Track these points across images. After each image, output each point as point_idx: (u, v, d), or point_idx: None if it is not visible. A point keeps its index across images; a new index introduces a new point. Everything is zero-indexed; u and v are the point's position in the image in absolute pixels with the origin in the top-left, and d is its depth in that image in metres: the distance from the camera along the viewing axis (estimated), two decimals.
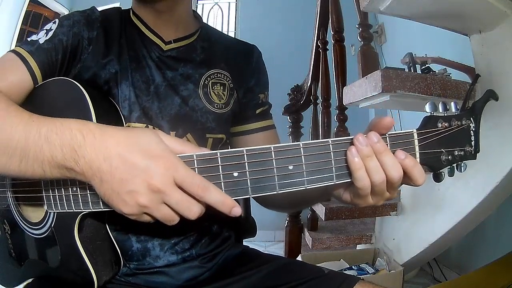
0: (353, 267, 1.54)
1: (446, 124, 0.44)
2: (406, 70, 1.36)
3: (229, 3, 3.47)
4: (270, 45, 2.89)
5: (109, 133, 0.40)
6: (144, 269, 0.62)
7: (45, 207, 0.53)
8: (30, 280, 0.60)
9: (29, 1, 2.77)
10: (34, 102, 0.56)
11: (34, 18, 2.96)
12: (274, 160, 0.41)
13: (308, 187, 0.42)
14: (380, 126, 0.43)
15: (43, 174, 0.42)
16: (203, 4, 3.53)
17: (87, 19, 0.61)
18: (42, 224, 0.56)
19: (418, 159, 0.44)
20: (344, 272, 1.49)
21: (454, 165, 0.46)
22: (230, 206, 0.40)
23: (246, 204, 0.90)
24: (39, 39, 0.57)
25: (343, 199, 0.49)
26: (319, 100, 1.87)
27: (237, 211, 0.40)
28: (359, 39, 1.52)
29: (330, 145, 0.42)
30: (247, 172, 0.41)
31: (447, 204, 1.27)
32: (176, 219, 0.41)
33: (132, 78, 0.61)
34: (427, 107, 0.45)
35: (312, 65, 1.96)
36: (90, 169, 0.39)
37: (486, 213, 1.26)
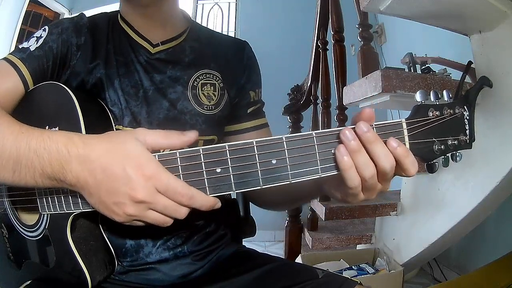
0: (353, 267, 1.54)
1: (437, 113, 0.42)
2: (406, 70, 1.36)
3: (229, 3, 3.47)
4: (270, 45, 2.90)
5: (91, 146, 0.41)
6: (137, 265, 0.63)
7: (39, 209, 0.54)
8: (28, 282, 0.60)
9: (29, 1, 2.77)
10: (25, 106, 0.57)
11: (34, 18, 2.96)
12: (256, 154, 0.41)
13: (293, 181, 0.41)
14: (362, 120, 0.41)
15: (36, 184, 0.43)
16: (203, 4, 3.53)
17: (75, 26, 0.62)
18: (37, 226, 0.57)
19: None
20: (344, 271, 1.49)
21: (449, 155, 0.44)
22: (212, 206, 0.42)
23: (245, 204, 0.90)
24: (30, 46, 0.59)
25: (334, 197, 0.47)
26: (319, 100, 1.87)
27: (218, 205, 0.43)
28: (359, 39, 1.52)
29: (314, 137, 0.41)
30: (230, 167, 0.41)
31: (447, 204, 1.27)
32: (169, 220, 0.42)
33: (121, 83, 0.61)
34: (418, 96, 0.43)
35: (312, 65, 1.96)
36: (78, 182, 0.41)
37: (486, 213, 1.26)
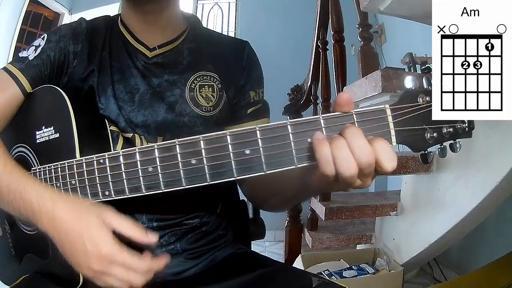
0: (353, 267, 1.54)
1: (427, 99, 0.39)
2: (406, 70, 1.36)
3: (229, 3, 3.48)
4: (270, 45, 2.90)
5: (59, 210, 0.46)
6: None
7: None
8: (27, 275, 0.62)
9: (29, 1, 2.77)
10: (24, 108, 0.61)
11: (34, 18, 2.96)
12: (230, 145, 0.40)
13: (267, 172, 0.40)
14: (339, 106, 0.39)
15: (18, 217, 0.51)
16: (203, 4, 3.53)
17: (73, 33, 0.64)
18: None
19: (393, 137, 0.39)
20: (344, 271, 1.49)
21: (447, 144, 0.41)
22: (164, 264, 0.47)
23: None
24: (28, 55, 0.61)
25: (312, 183, 0.44)
26: (319, 100, 1.87)
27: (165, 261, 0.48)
28: (359, 39, 1.52)
29: (288, 126, 0.39)
30: (204, 158, 0.41)
31: (447, 204, 1.27)
32: (125, 285, 0.46)
33: (114, 90, 0.62)
34: (407, 82, 0.39)
35: (312, 65, 1.96)
36: (47, 233, 0.47)
37: (486, 213, 1.26)
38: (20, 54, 0.62)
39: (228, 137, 0.40)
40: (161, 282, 0.64)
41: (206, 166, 0.41)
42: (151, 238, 0.46)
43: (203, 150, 0.41)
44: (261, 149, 0.40)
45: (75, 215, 0.45)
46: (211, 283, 0.63)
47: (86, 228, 0.45)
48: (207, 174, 0.41)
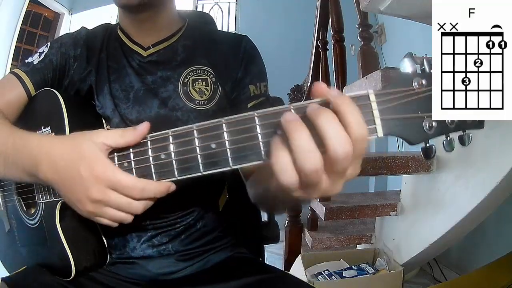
0: (353, 267, 1.54)
1: (424, 82, 0.34)
2: None
3: (229, 3, 3.48)
4: (270, 45, 2.90)
5: (56, 147, 0.45)
6: (123, 258, 0.65)
7: (36, 198, 0.60)
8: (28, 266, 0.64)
9: (29, 1, 2.78)
10: (26, 110, 0.66)
11: (34, 18, 2.96)
12: (196, 139, 0.39)
13: (234, 167, 0.38)
14: (315, 96, 0.35)
15: (20, 179, 0.50)
16: (203, 4, 3.54)
17: (74, 40, 0.69)
18: (35, 215, 0.62)
19: (379, 127, 0.34)
20: (344, 271, 1.49)
21: (454, 137, 0.35)
22: (165, 191, 0.43)
23: None
24: (33, 61, 0.67)
25: (269, 190, 0.41)
26: None
27: (172, 188, 0.43)
28: (359, 39, 1.53)
29: (256, 117, 0.37)
30: (172, 153, 0.41)
31: (447, 204, 1.27)
32: (127, 217, 0.45)
33: (111, 89, 0.65)
34: (405, 66, 0.34)
35: (312, 65, 1.96)
36: (47, 179, 0.46)
37: (486, 213, 1.26)
38: (27, 60, 0.67)
39: (194, 130, 0.39)
40: (150, 282, 0.64)
41: (174, 161, 0.41)
42: (141, 128, 0.43)
43: (171, 145, 0.41)
44: (226, 142, 0.38)
45: (70, 147, 0.44)
46: (202, 285, 0.62)
47: (80, 155, 0.43)
48: (175, 169, 0.41)
